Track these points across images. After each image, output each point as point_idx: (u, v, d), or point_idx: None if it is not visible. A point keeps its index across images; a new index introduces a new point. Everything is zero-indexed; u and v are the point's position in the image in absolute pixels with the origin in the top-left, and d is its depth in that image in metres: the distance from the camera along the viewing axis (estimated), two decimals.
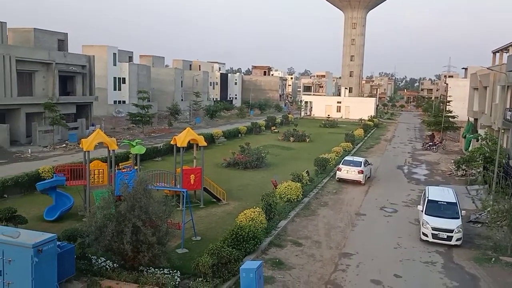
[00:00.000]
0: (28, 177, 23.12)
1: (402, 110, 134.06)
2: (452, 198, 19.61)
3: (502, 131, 28.32)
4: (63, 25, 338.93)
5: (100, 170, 20.46)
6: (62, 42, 46.21)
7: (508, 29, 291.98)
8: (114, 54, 62.08)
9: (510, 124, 28.65)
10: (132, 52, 70.39)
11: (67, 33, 47.11)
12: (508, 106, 30.99)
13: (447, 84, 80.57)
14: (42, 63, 41.42)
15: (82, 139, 20.33)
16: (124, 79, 63.82)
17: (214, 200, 22.58)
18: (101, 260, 13.65)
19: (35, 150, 36.19)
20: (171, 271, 13.14)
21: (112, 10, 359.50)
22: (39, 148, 37.52)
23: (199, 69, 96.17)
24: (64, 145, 39.81)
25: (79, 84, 47.21)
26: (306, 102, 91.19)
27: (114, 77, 62.28)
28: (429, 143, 49.01)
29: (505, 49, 35.65)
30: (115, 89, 62.67)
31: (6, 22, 40.57)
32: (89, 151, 19.40)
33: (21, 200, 21.38)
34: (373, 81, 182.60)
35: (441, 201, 19.30)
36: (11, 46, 39.79)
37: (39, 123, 39.78)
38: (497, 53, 38.49)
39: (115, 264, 13.46)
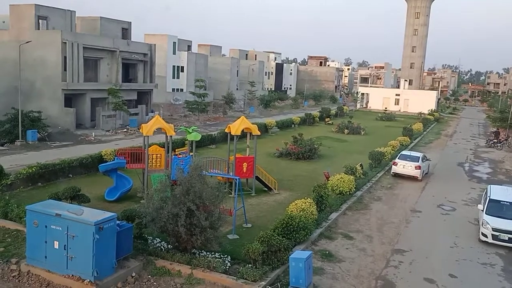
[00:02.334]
0: (91, 159, 24.52)
1: (465, 105, 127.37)
2: None
3: None
4: (126, 14, 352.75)
5: (158, 155, 21.24)
6: (125, 31, 48.11)
7: None
8: (174, 43, 63.80)
9: None
10: (191, 41, 72.04)
11: (130, 22, 48.99)
12: None
13: None
14: (107, 51, 43.39)
15: (142, 125, 21.14)
16: (182, 67, 65.50)
17: (266, 189, 22.75)
18: (156, 240, 14.24)
19: (98, 134, 38.19)
20: (222, 256, 13.48)
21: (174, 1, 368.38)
22: (102, 132, 39.52)
23: (255, 59, 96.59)
24: (125, 129, 41.63)
25: (140, 71, 49.06)
26: (362, 94, 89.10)
27: (173, 66, 64.10)
28: (494, 140, 46.32)
29: None
30: (173, 77, 64.51)
31: (75, 11, 42.92)
32: (148, 136, 20.16)
33: (84, 180, 22.68)
34: (435, 73, 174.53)
35: (504, 201, 18.29)
36: (79, 34, 42.00)
37: (102, 108, 41.85)
38: None
39: (169, 246, 13.99)
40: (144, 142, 20.68)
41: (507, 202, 18.27)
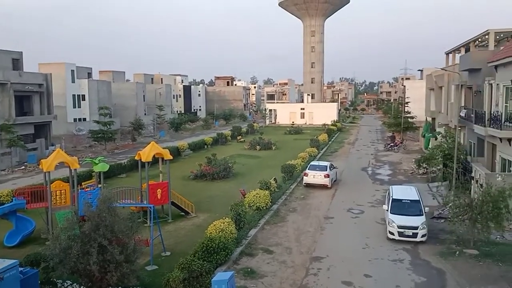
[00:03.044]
0: None
1: (363, 114, 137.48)
2: (415, 196, 20.22)
3: (459, 128, 29.50)
4: (17, 44, 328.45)
5: (62, 191, 19.88)
6: (16, 61, 44.80)
7: (460, 30, 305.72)
8: (72, 71, 60.66)
9: (465, 121, 29.89)
10: (91, 68, 68.98)
11: (21, 52, 45.75)
12: (463, 104, 32.36)
13: (404, 86, 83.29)
14: None
15: (41, 160, 19.70)
16: (83, 96, 62.38)
17: (183, 213, 22.33)
18: (67, 283, 13.24)
19: None
20: None
21: (68, 28, 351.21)
22: None
23: (161, 82, 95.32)
24: (23, 167, 38.40)
25: (36, 103, 45.83)
26: (270, 110, 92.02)
27: (73, 95, 60.78)
28: (391, 144, 50.46)
29: (457, 50, 37.27)
30: (74, 107, 61.12)
31: None
32: (49, 172, 18.80)
33: None
34: (334, 86, 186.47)
35: (405, 200, 19.86)
36: None
37: None
38: (450, 54, 40.17)
39: (82, 287, 13.04)
40: (45, 179, 19.23)
41: (408, 200, 19.87)
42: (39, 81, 45.47)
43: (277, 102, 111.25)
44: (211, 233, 16.70)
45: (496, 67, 24.64)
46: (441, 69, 35.20)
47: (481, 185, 21.29)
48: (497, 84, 24.64)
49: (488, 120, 24.31)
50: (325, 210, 23.99)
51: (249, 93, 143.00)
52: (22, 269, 12.06)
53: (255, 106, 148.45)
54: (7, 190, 23.75)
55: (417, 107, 61.16)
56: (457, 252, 16.99)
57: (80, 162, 22.62)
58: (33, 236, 18.72)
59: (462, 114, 30.47)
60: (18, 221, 18.57)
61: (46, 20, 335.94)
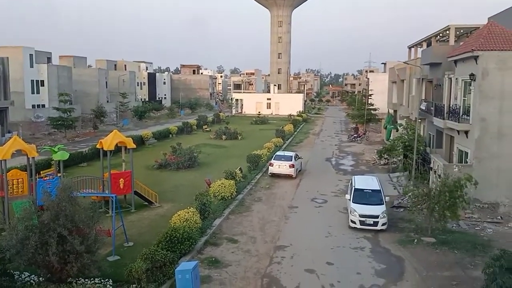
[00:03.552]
0: None
1: (328, 105, 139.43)
2: (376, 186, 20.77)
3: (419, 120, 30.41)
4: None
5: (19, 180, 19.13)
6: None
7: (423, 25, 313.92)
8: (31, 55, 58.05)
9: (425, 114, 30.84)
10: (51, 52, 66.28)
11: None
12: (423, 97, 33.35)
13: (368, 78, 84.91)
14: None
15: None
16: (42, 81, 59.94)
17: (146, 203, 22.01)
18: (24, 275, 12.78)
19: None
20: (102, 280, 12.63)
21: (27, 9, 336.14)
22: None
23: (125, 69, 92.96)
24: None
25: None
26: (236, 100, 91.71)
27: (31, 80, 58.26)
28: (354, 135, 51.53)
29: (419, 44, 38.27)
30: (33, 93, 58.64)
31: None
32: (5, 160, 18.02)
33: None
34: (300, 77, 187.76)
35: (367, 189, 20.36)
36: None
37: None
38: (412, 48, 41.20)
39: (40, 278, 12.67)
40: (1, 167, 18.42)
41: (369, 190, 20.38)
42: None
43: (243, 92, 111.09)
44: (175, 223, 16.57)
45: (455, 61, 25.49)
46: (404, 62, 36.13)
47: (439, 175, 22.11)
48: (456, 78, 25.51)
49: (447, 113, 25.17)
50: (289, 199, 24.26)
51: (216, 82, 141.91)
52: None
53: (221, 96, 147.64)
54: None
55: (380, 99, 62.51)
56: (416, 240, 17.61)
57: (39, 150, 21.81)
58: None
59: (423, 107, 31.41)
60: None
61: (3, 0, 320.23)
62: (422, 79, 33.51)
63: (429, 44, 35.39)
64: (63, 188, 12.71)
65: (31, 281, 12.58)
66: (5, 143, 19.43)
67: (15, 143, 18.35)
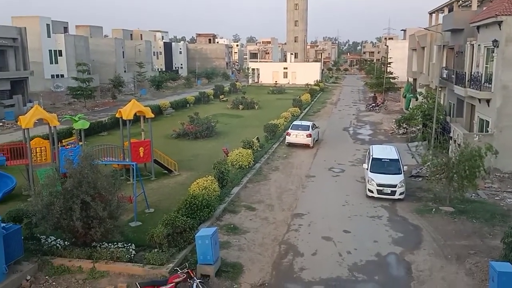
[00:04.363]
0: None
1: (346, 74, 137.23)
2: (394, 155, 20.63)
3: (439, 89, 29.80)
4: None
5: (42, 148, 19.59)
6: None
7: None
8: (48, 25, 58.25)
9: (446, 82, 30.18)
10: (67, 22, 66.38)
11: None
12: (444, 65, 32.55)
13: (387, 46, 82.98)
14: None
15: (20, 117, 19.25)
16: (60, 51, 60.30)
17: (166, 171, 22.38)
18: (50, 239, 13.27)
19: None
20: (125, 245, 13.04)
21: None
22: None
23: (141, 39, 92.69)
24: (1, 124, 37.53)
25: (11, 58, 44.25)
26: (253, 69, 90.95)
27: (49, 50, 58.68)
28: (372, 104, 50.84)
29: (440, 9, 37.04)
30: (51, 63, 59.17)
31: None
32: (28, 129, 18.43)
33: None
34: (317, 46, 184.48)
35: (385, 159, 20.26)
36: None
37: None
38: (433, 14, 39.92)
39: (66, 242, 13.14)
40: (25, 136, 18.88)
41: (387, 159, 20.27)
42: (13, 35, 43.67)
43: (260, 61, 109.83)
44: (194, 190, 16.84)
45: (478, 27, 24.67)
46: (424, 29, 35.08)
47: (459, 145, 21.82)
48: (479, 45, 24.75)
49: (468, 81, 24.59)
50: (306, 169, 24.33)
51: (232, 52, 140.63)
52: (4, 224, 12.02)
53: (237, 65, 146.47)
54: None
55: (399, 67, 61.33)
56: (433, 209, 17.59)
57: (60, 119, 22.20)
58: (14, 193, 18.57)
59: (443, 75, 30.71)
60: None
61: None
62: (443, 46, 32.59)
63: (450, 10, 34.23)
64: (84, 156, 12.99)
65: (57, 244, 13.06)
66: (27, 113, 19.84)
67: (37, 112, 18.70)
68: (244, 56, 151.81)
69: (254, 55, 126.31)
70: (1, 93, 40.60)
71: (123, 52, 76.93)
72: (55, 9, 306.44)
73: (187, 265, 11.94)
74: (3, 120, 38.52)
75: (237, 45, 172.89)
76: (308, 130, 29.40)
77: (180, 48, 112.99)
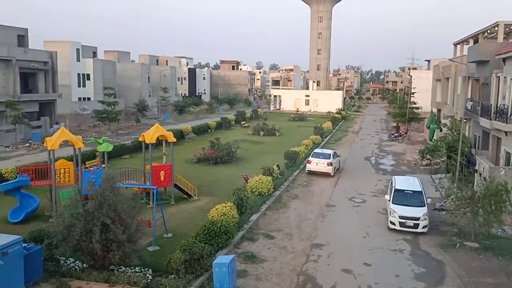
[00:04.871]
0: None
1: (368, 103, 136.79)
2: (417, 187, 20.20)
3: (464, 120, 29.32)
4: (22, 21, 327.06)
5: (66, 169, 19.96)
6: (22, 38, 44.61)
7: (469, 22, 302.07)
8: (78, 49, 60.36)
9: (471, 113, 29.70)
10: (96, 47, 68.62)
11: (27, 29, 45.53)
12: (469, 96, 32.12)
13: (411, 76, 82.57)
14: (2, 60, 39.85)
15: (46, 138, 19.74)
16: (88, 75, 62.22)
17: (185, 196, 22.43)
18: (69, 260, 13.34)
19: None
20: (142, 269, 13.00)
21: (74, 6, 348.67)
22: (0, 148, 36.17)
23: (166, 64, 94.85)
24: (28, 144, 38.54)
25: (41, 81, 45.76)
26: (275, 96, 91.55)
27: (78, 74, 60.60)
28: (395, 134, 50.29)
29: (465, 41, 36.87)
30: (79, 86, 61.00)
31: None
32: (53, 150, 18.85)
33: None
34: (340, 74, 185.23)
35: (407, 190, 19.85)
36: None
37: (0, 122, 38.32)
38: (458, 45, 39.75)
39: (84, 264, 13.19)
40: (50, 157, 19.30)
41: (410, 191, 19.86)
42: (44, 58, 45.29)
43: (282, 88, 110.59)
44: (213, 216, 16.79)
45: (504, 59, 24.37)
46: (449, 60, 34.89)
47: (485, 178, 21.25)
48: (505, 77, 24.39)
49: (494, 113, 24.14)
50: (327, 198, 24.04)
51: (254, 78, 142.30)
52: (25, 245, 12.18)
53: (260, 92, 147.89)
54: (12, 167, 23.87)
55: (423, 97, 60.68)
56: (458, 244, 17.04)
57: (84, 141, 22.66)
58: (36, 213, 18.86)
59: (468, 106, 30.26)
60: (22, 197, 18.70)
61: None
62: (468, 77, 32.26)
63: (476, 41, 34.02)
64: (106, 179, 13.16)
65: (76, 266, 13.11)
66: (53, 134, 20.34)
67: (63, 134, 19.15)
68: (267, 83, 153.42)
69: (276, 82, 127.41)
70: (29, 114, 41.81)
71: (148, 77, 78.77)
72: (86, 34, 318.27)
73: None
74: (30, 141, 39.56)
75: (260, 72, 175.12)
76: (329, 158, 29.19)
77: (204, 74, 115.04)
